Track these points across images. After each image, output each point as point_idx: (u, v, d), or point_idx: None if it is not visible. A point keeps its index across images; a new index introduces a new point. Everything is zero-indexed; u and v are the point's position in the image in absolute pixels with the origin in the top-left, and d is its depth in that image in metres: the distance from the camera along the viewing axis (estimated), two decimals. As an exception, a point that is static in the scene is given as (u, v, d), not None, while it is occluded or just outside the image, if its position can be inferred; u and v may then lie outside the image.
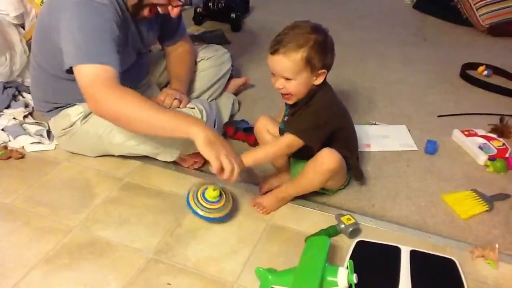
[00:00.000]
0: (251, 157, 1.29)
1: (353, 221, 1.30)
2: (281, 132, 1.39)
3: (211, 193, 1.28)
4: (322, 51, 1.23)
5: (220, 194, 1.30)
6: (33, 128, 1.66)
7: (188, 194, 1.30)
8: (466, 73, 2.29)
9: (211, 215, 1.28)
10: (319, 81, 1.27)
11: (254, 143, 1.66)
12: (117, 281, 1.13)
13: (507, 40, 2.81)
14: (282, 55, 1.22)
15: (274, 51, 1.23)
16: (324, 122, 1.29)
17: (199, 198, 1.28)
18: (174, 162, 1.55)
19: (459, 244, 1.30)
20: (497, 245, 1.24)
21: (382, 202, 1.46)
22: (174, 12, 1.37)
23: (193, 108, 1.47)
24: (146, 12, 1.38)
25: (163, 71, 1.75)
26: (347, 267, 1.07)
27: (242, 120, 1.79)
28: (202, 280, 1.14)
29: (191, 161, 1.55)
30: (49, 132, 1.66)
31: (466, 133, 1.78)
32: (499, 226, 1.38)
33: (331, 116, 1.31)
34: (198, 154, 1.51)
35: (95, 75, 1.21)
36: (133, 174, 1.52)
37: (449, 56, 2.57)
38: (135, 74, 1.58)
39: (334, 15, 3.10)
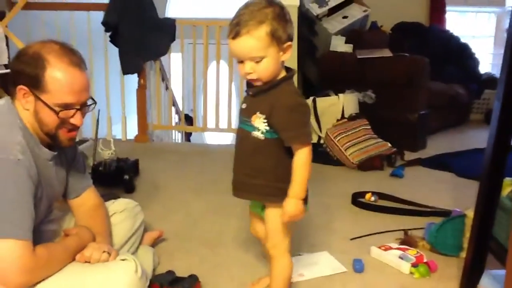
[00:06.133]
0: (300, 192, 1.29)
1: None
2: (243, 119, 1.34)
3: None
4: (283, 21, 1.21)
5: None
6: None
7: None
8: (358, 200, 2.51)
9: None
10: (286, 56, 1.25)
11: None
12: None
13: (375, 172, 3.20)
14: (245, 35, 1.18)
15: (235, 35, 1.19)
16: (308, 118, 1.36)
17: None
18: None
19: None
20: None
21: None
22: (78, 120, 1.29)
23: (125, 259, 1.33)
24: (62, 134, 1.30)
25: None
26: None
27: (168, 271, 1.65)
28: None
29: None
30: None
31: (383, 248, 1.89)
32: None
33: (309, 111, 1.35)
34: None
35: (8, 251, 1.15)
36: None
37: (335, 190, 2.80)
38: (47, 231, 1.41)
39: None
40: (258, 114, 1.29)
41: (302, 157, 1.29)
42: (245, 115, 1.33)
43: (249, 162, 1.35)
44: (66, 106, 1.26)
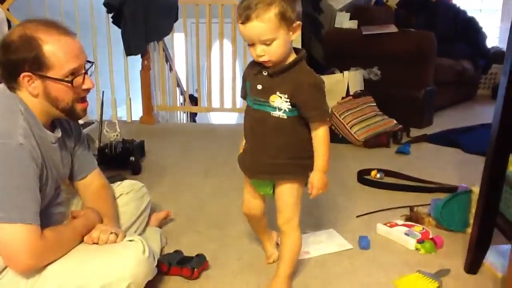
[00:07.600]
0: (325, 166, 1.35)
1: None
2: (255, 95, 1.34)
3: None
4: (292, 0, 1.21)
5: None
6: None
7: None
8: (363, 178, 2.51)
9: None
10: (296, 35, 1.25)
11: (191, 275, 1.55)
12: None
13: (381, 149, 3.19)
14: (255, 20, 1.19)
15: (245, 19, 1.19)
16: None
17: None
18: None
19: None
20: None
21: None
22: (89, 83, 1.32)
23: (132, 240, 1.34)
24: (78, 106, 1.33)
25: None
26: None
27: (176, 251, 1.67)
28: None
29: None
30: None
31: (389, 225, 1.90)
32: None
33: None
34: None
35: (16, 236, 1.16)
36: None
37: (341, 168, 2.81)
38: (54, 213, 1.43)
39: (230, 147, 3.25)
40: (278, 93, 1.30)
41: (323, 132, 1.33)
42: (262, 95, 1.32)
43: (272, 143, 1.35)
44: (74, 73, 1.27)
